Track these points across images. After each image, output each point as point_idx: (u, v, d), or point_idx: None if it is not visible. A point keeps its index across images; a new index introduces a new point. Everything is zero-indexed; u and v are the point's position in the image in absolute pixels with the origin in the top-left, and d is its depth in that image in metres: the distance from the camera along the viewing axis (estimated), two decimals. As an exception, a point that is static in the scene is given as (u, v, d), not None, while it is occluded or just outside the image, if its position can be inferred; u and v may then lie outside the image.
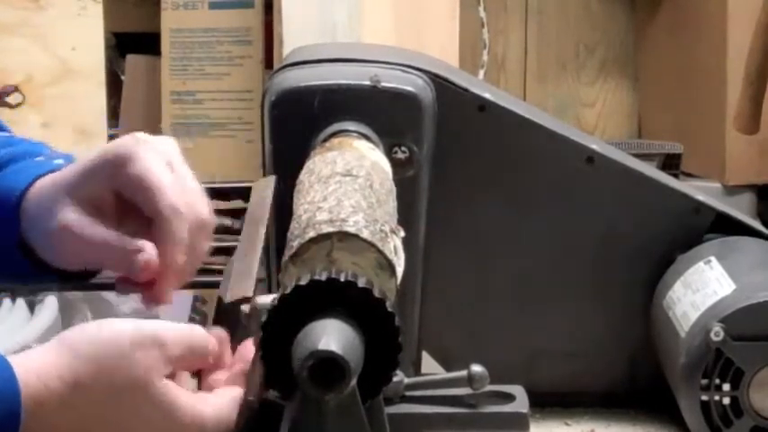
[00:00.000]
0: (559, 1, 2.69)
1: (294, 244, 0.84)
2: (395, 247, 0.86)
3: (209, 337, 0.83)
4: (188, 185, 0.89)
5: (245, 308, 0.83)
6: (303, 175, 0.99)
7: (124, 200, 0.90)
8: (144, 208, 0.88)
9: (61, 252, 0.92)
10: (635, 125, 2.73)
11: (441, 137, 1.17)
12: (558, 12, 2.70)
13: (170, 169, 0.89)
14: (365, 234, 0.83)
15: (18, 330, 1.83)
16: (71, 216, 0.90)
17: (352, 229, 0.83)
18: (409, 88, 1.14)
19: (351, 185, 0.92)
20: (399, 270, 0.86)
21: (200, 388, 0.83)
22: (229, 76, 2.24)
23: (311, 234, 0.83)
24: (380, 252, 0.83)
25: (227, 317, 0.86)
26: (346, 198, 0.88)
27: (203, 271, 1.71)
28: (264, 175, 1.14)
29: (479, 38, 2.57)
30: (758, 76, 2.01)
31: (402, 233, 0.89)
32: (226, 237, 1.67)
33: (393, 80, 1.14)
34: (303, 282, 0.77)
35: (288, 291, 0.77)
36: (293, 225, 0.87)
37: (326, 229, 0.83)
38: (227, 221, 1.64)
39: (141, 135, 0.91)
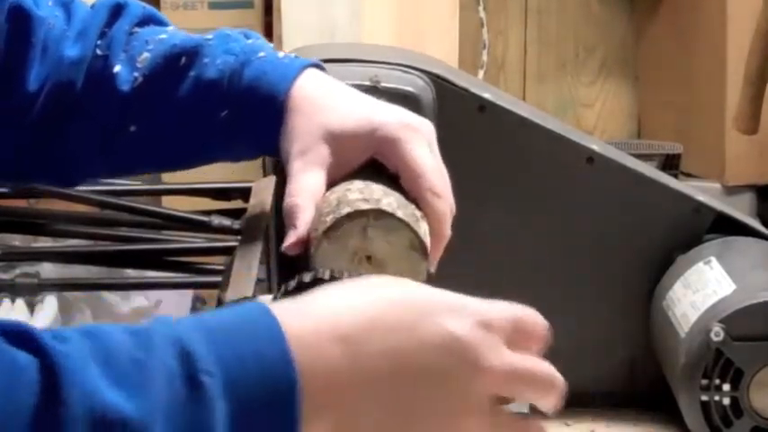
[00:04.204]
0: (559, 1, 2.69)
1: (328, 219, 0.84)
2: (425, 232, 0.86)
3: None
4: (443, 169, 0.93)
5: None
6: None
7: None
8: (406, 186, 0.91)
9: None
10: (635, 125, 2.73)
11: (441, 137, 1.17)
12: (557, 12, 2.70)
13: (431, 152, 0.93)
14: (400, 214, 0.84)
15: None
16: (324, 162, 0.92)
17: (387, 209, 0.84)
18: (409, 89, 1.14)
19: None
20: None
21: None
22: (229, 77, 2.24)
23: (347, 210, 0.84)
24: (414, 232, 0.84)
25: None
26: (374, 182, 0.89)
27: (203, 271, 1.71)
28: (265, 175, 1.14)
29: (479, 38, 2.57)
30: (758, 76, 2.01)
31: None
32: (226, 237, 1.67)
33: (393, 80, 1.14)
34: (292, 285, 0.77)
35: (279, 294, 0.77)
36: (320, 205, 0.87)
37: (363, 206, 0.84)
38: (227, 221, 1.64)
39: (404, 117, 0.93)
